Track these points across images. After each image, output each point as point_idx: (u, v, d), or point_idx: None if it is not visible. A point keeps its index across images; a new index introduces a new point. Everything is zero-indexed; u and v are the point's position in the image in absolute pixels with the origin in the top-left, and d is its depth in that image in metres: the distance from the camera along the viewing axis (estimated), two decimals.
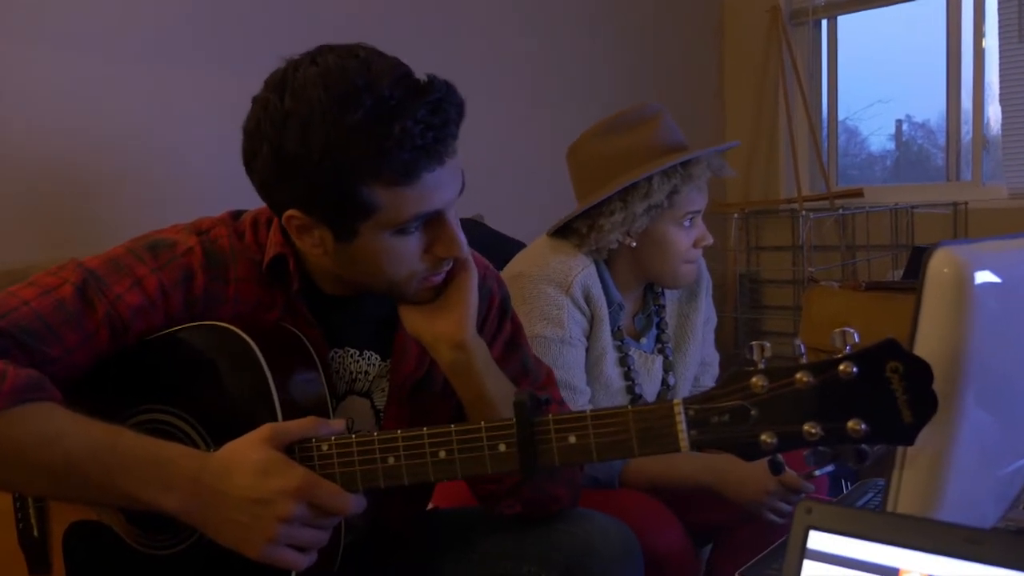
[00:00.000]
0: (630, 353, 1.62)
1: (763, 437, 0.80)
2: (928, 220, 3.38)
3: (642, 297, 1.70)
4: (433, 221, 0.99)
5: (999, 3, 3.19)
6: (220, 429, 0.97)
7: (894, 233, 3.43)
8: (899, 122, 4.00)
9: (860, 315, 2.35)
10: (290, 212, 0.98)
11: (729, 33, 3.90)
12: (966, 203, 3.30)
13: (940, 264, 0.88)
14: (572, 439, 0.84)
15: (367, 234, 0.97)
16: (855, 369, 0.78)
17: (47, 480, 0.90)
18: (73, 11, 2.08)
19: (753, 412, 0.80)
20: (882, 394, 0.78)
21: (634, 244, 1.57)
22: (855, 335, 0.82)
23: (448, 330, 1.04)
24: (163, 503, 0.89)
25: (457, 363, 1.04)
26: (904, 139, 4.05)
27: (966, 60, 3.42)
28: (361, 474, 0.91)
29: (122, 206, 2.18)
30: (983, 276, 0.89)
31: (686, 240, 1.57)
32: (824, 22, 3.76)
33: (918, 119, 4.01)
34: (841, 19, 3.73)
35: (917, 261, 2.86)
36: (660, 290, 1.70)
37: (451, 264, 1.05)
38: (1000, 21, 3.20)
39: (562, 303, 1.52)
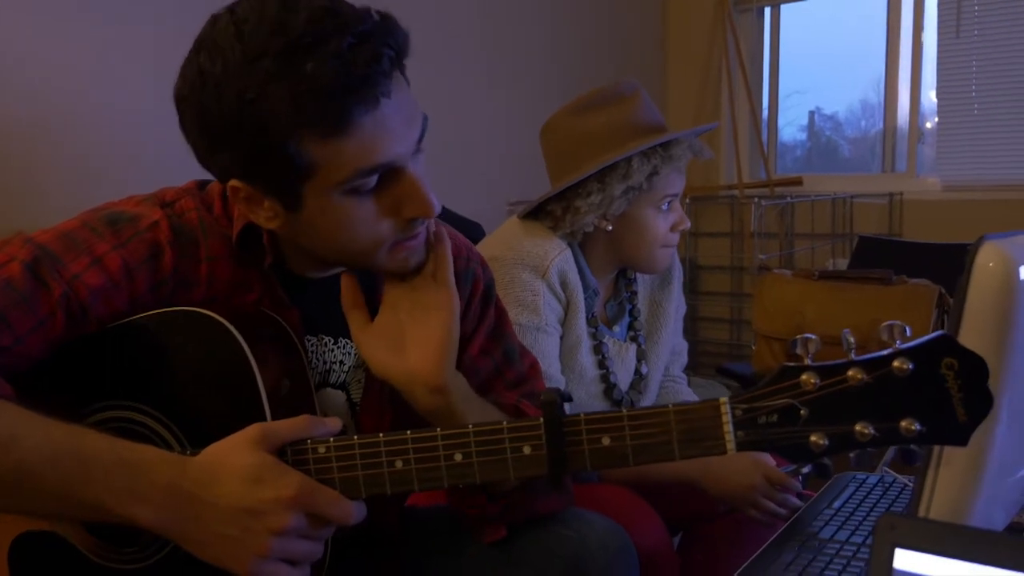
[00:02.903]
0: (604, 341, 1.56)
1: (813, 438, 0.75)
2: (865, 210, 3.43)
3: (614, 283, 1.64)
4: (391, 177, 0.87)
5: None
6: (197, 429, 0.86)
7: (834, 222, 3.47)
8: (811, 113, 4.06)
9: (814, 303, 2.35)
10: (232, 183, 0.87)
11: (674, 18, 3.88)
12: (901, 194, 3.36)
13: (987, 258, 0.84)
14: (606, 441, 0.77)
15: (314, 198, 0.86)
16: (910, 365, 0.73)
17: None
18: None
19: (803, 412, 0.75)
20: (937, 392, 0.73)
21: (610, 228, 1.50)
22: (906, 329, 0.77)
23: (423, 371, 0.91)
24: (135, 515, 0.78)
25: (435, 408, 0.92)
26: (815, 129, 4.11)
27: (904, 53, 3.48)
28: (364, 479, 0.82)
29: (60, 175, 2.02)
30: None
31: (664, 224, 1.52)
32: (768, 10, 3.77)
33: (827, 111, 4.08)
34: (784, 8, 3.75)
35: (864, 250, 2.91)
36: (633, 276, 1.65)
37: (424, 224, 0.93)
38: (939, 17, 3.25)
39: (538, 289, 1.45)
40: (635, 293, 1.65)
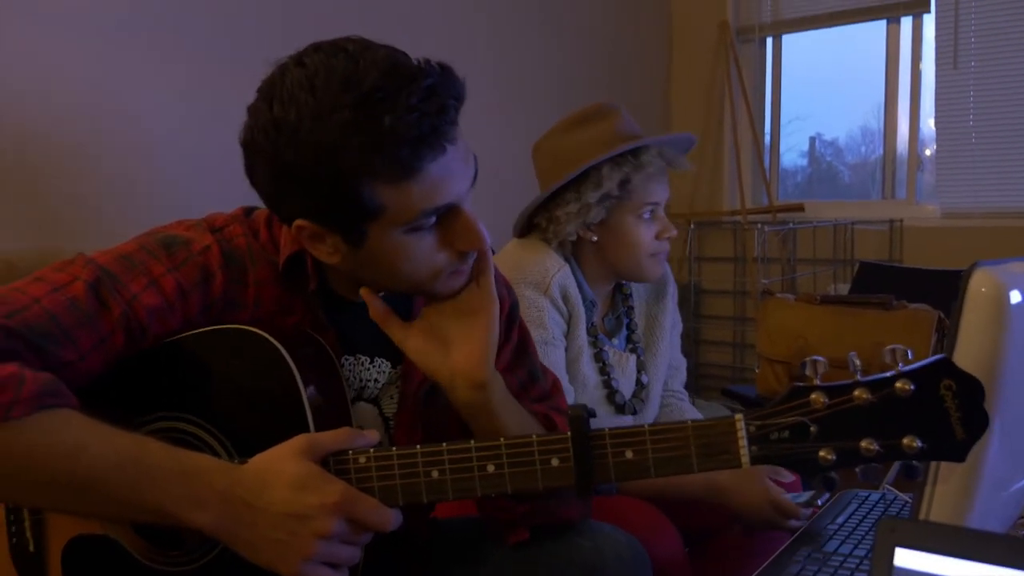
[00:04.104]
0: (605, 350, 1.63)
1: (822, 454, 0.81)
2: (866, 236, 3.50)
3: (611, 298, 1.71)
4: (447, 214, 0.94)
5: (936, 31, 3.33)
6: (244, 439, 0.92)
7: (835, 248, 3.54)
8: (812, 139, 4.14)
9: (816, 327, 2.41)
10: (299, 222, 0.94)
11: (678, 46, 3.97)
12: (901, 221, 3.43)
13: (979, 284, 0.91)
14: (629, 454, 0.83)
15: (379, 236, 0.93)
16: (912, 386, 0.80)
17: (64, 493, 0.84)
18: None
19: (813, 428, 0.81)
20: (936, 411, 0.79)
21: (595, 238, 1.59)
22: (908, 352, 0.83)
23: (466, 367, 0.97)
24: (193, 519, 0.84)
25: (475, 403, 0.99)
26: (816, 155, 4.19)
27: (903, 83, 3.57)
28: (402, 488, 0.88)
29: (109, 197, 2.12)
30: (1016, 296, 0.92)
31: (647, 233, 1.59)
32: (769, 40, 3.86)
33: (828, 137, 4.16)
34: (786, 38, 3.84)
35: (864, 276, 2.97)
36: (629, 292, 1.72)
37: (475, 256, 1.00)
38: (937, 49, 3.34)
39: (542, 305, 1.53)
40: (632, 308, 1.72)
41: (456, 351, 0.98)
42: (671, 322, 1.77)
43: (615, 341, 1.68)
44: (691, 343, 3.87)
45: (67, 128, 2.06)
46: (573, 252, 1.61)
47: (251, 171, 0.94)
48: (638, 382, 1.69)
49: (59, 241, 2.01)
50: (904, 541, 0.67)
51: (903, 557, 0.67)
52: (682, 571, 1.41)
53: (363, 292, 1.01)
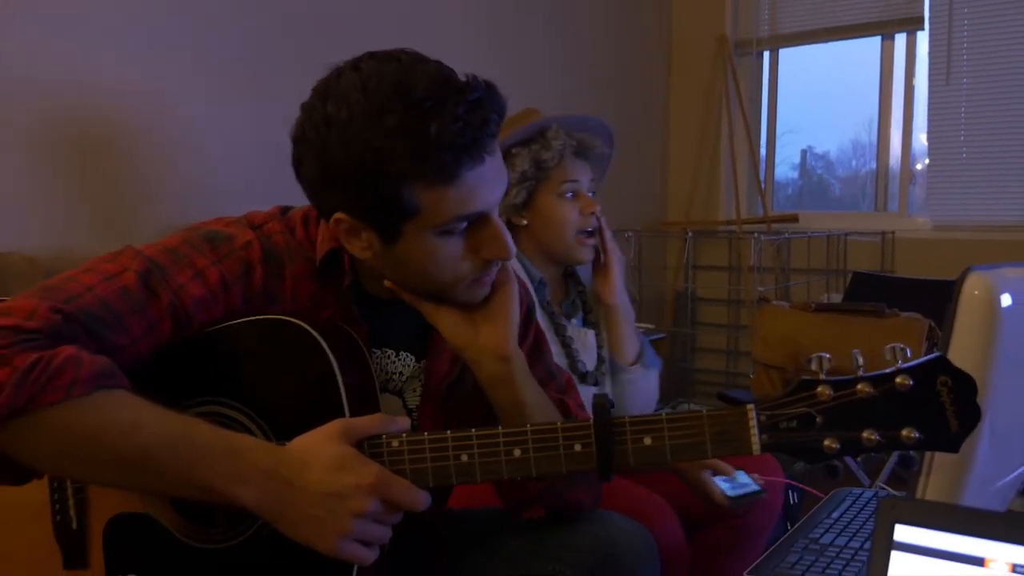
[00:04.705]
0: (564, 325, 1.72)
1: (826, 443, 0.87)
2: (858, 247, 3.57)
3: (564, 284, 1.80)
4: (478, 223, 1.01)
5: (930, 48, 3.42)
6: (282, 423, 0.98)
7: (828, 258, 3.62)
8: (804, 151, 4.22)
9: (810, 334, 2.48)
10: (338, 215, 1.00)
11: (677, 58, 4.04)
12: (893, 232, 3.51)
13: (972, 287, 0.97)
14: (648, 440, 0.89)
15: (412, 235, 0.99)
16: (911, 382, 0.86)
17: (119, 470, 0.89)
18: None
19: (818, 419, 0.87)
20: (933, 405, 0.86)
21: (525, 222, 1.69)
22: (907, 351, 0.90)
23: (492, 343, 1.05)
24: (239, 496, 0.89)
25: (499, 375, 1.06)
26: (807, 168, 4.27)
27: (897, 98, 3.65)
28: (433, 471, 0.93)
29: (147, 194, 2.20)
30: (1007, 299, 0.98)
31: (570, 211, 1.68)
32: (767, 53, 3.94)
33: (819, 150, 4.25)
34: (783, 52, 3.92)
35: (857, 285, 3.04)
36: (579, 276, 1.81)
37: (499, 266, 1.07)
38: (930, 65, 3.42)
39: None
40: (583, 290, 1.81)
41: (483, 328, 1.05)
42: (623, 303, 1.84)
43: (574, 321, 1.77)
44: (687, 350, 3.94)
45: (98, 128, 2.12)
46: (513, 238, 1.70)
47: (299, 164, 1.00)
48: (599, 356, 1.77)
49: (81, 240, 2.06)
50: (903, 518, 0.73)
51: (902, 532, 0.73)
52: (682, 558, 1.48)
53: (387, 282, 1.07)
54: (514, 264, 1.61)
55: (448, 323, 1.07)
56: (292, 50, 2.45)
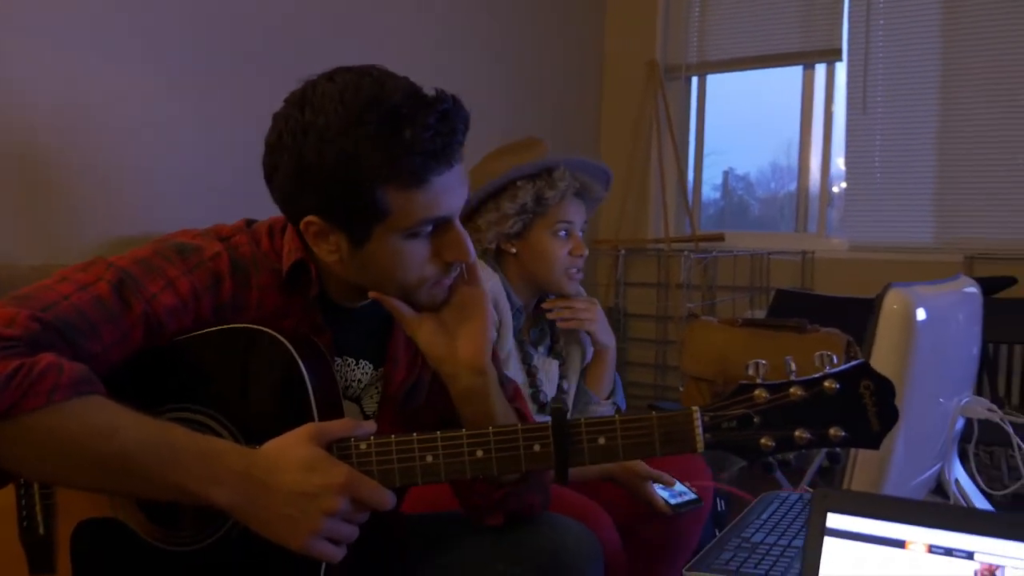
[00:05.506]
0: (530, 353, 1.79)
1: (763, 441, 0.95)
2: (780, 265, 3.74)
3: (533, 314, 1.86)
4: (442, 227, 1.07)
5: (848, 78, 3.62)
6: (253, 428, 1.02)
7: (752, 275, 3.77)
8: (725, 173, 4.39)
9: (738, 347, 2.60)
10: (308, 218, 1.05)
11: (609, 82, 4.17)
12: (813, 252, 3.69)
13: (892, 301, 1.08)
14: (602, 440, 0.96)
15: (380, 237, 1.04)
16: (838, 385, 0.95)
17: (99, 472, 0.92)
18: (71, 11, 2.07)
19: (756, 419, 0.95)
20: (857, 406, 0.95)
21: (514, 251, 1.76)
22: (833, 357, 0.99)
23: (469, 356, 1.09)
24: (213, 497, 0.93)
25: (474, 388, 1.10)
26: (728, 189, 4.45)
27: (816, 124, 3.84)
28: (399, 471, 0.99)
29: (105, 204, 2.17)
30: (922, 313, 1.09)
31: (561, 249, 1.76)
32: (695, 79, 4.10)
33: (740, 172, 4.43)
34: (710, 78, 4.08)
35: (780, 302, 3.19)
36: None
37: (459, 269, 1.12)
38: (848, 94, 3.62)
39: None
40: (553, 321, 1.87)
41: (461, 344, 1.10)
42: (586, 340, 1.92)
43: (540, 349, 1.84)
44: (618, 364, 4.03)
45: (25, 136, 2.10)
46: (499, 264, 1.77)
47: (273, 170, 1.06)
48: (559, 387, 1.84)
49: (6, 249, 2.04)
50: (835, 506, 0.81)
51: (834, 520, 0.81)
52: (619, 558, 1.55)
53: (372, 293, 1.11)
54: (496, 288, 1.68)
55: (427, 338, 1.11)
56: (233, 59, 2.44)
